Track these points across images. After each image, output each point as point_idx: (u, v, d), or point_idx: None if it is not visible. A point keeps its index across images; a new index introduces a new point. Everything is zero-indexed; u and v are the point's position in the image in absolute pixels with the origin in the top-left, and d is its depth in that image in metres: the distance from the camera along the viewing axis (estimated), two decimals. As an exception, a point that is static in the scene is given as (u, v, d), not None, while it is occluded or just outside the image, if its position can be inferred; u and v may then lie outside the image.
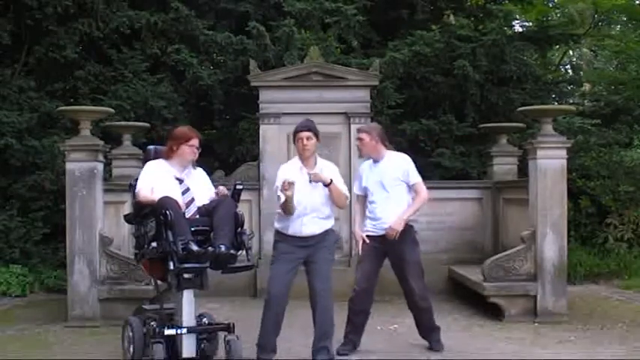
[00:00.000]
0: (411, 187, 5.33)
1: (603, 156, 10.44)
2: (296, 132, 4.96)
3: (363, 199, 5.50)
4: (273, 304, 4.88)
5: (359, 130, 5.48)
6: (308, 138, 4.90)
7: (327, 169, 5.00)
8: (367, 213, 5.42)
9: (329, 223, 5.06)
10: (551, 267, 6.55)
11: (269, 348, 4.91)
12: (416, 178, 5.34)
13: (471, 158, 9.90)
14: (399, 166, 5.34)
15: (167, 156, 4.95)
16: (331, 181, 4.86)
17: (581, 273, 8.88)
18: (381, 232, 5.27)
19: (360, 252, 5.39)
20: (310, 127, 4.95)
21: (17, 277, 8.17)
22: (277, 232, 5.04)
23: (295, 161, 5.03)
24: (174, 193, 4.75)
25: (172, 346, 4.63)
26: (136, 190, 4.84)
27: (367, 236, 5.34)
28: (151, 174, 4.85)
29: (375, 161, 5.40)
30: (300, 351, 5.27)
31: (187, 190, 4.85)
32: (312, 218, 4.92)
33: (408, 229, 5.31)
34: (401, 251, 5.26)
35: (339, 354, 5.24)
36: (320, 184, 4.87)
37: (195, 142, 4.93)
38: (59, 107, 7.91)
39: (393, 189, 5.28)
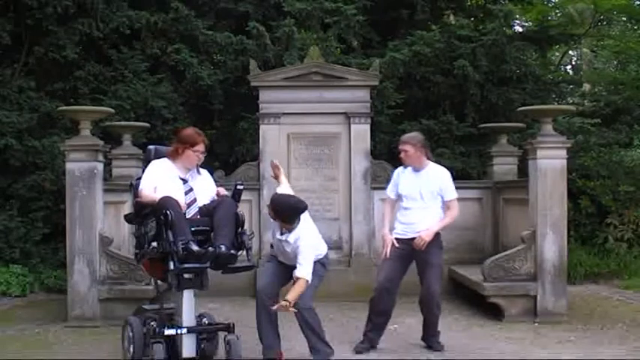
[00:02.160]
0: (445, 202, 5.38)
1: (603, 156, 10.44)
2: None
3: (394, 202, 5.57)
4: (259, 298, 4.99)
5: (403, 142, 5.44)
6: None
7: (300, 240, 4.85)
8: (399, 217, 5.46)
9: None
10: (551, 267, 6.55)
11: (268, 345, 4.95)
12: (452, 195, 5.41)
13: (471, 158, 9.90)
14: (438, 179, 5.40)
15: (172, 157, 4.93)
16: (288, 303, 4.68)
17: (581, 273, 8.88)
18: (411, 236, 5.32)
19: (387, 254, 5.38)
20: (272, 201, 4.93)
21: (17, 277, 8.17)
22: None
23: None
24: (178, 192, 4.74)
25: (172, 346, 4.64)
26: (139, 189, 4.83)
27: (396, 239, 5.38)
28: (154, 173, 4.84)
29: (416, 170, 5.43)
30: (300, 351, 5.27)
31: (190, 190, 4.85)
32: (285, 257, 5.01)
33: (436, 236, 5.36)
34: (427, 254, 5.31)
35: (356, 351, 5.35)
36: (291, 247, 4.87)
37: (200, 147, 4.90)
38: (59, 107, 7.90)
39: (430, 201, 5.35)
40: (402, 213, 5.46)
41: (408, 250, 5.34)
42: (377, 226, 8.00)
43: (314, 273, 4.88)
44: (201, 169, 5.07)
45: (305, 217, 4.92)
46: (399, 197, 5.49)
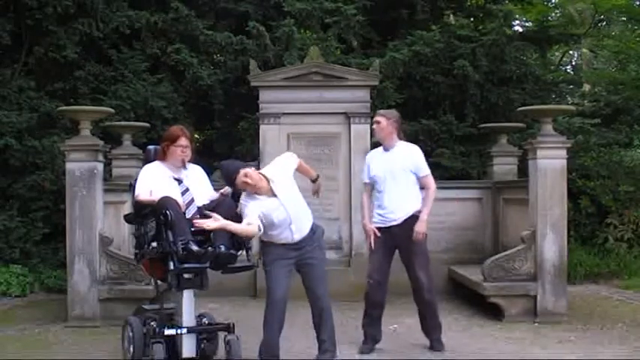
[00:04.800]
0: (420, 179, 5.34)
1: (603, 156, 10.44)
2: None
3: (370, 188, 5.50)
4: (278, 308, 4.79)
5: (378, 113, 5.44)
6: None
7: (284, 159, 4.95)
8: (375, 203, 5.40)
9: (311, 221, 4.90)
10: (551, 267, 6.55)
11: (274, 353, 4.82)
12: (426, 170, 5.35)
13: (471, 158, 9.90)
14: (409, 156, 5.34)
15: (162, 158, 4.95)
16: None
17: (581, 273, 8.88)
18: (390, 224, 5.28)
19: (371, 245, 5.36)
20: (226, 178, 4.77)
21: (17, 277, 8.17)
22: (263, 241, 4.86)
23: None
24: (174, 194, 4.74)
25: (172, 346, 4.64)
26: (135, 195, 4.84)
27: (376, 228, 5.34)
28: (148, 177, 4.85)
29: (385, 149, 5.39)
30: (300, 351, 5.28)
31: (187, 190, 4.85)
32: (297, 224, 4.76)
33: (417, 221, 5.29)
34: (410, 243, 5.27)
35: (361, 352, 5.33)
36: (290, 185, 4.80)
37: (182, 141, 4.88)
38: (59, 107, 7.90)
39: (403, 179, 5.29)
40: (376, 197, 5.39)
41: (390, 239, 5.30)
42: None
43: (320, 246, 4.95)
44: (192, 165, 5.04)
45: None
46: (373, 180, 5.41)
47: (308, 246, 4.83)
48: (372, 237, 5.33)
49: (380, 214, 5.36)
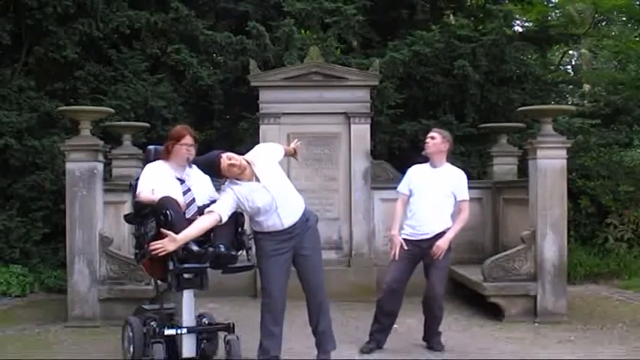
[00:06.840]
0: (457, 203, 5.36)
1: (603, 156, 10.45)
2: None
3: (406, 200, 5.48)
4: (277, 305, 4.72)
5: (433, 130, 5.45)
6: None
7: (266, 146, 5.06)
8: (408, 217, 5.41)
9: (302, 207, 4.79)
10: (551, 267, 6.55)
11: (274, 351, 4.78)
12: (465, 195, 5.38)
13: (471, 158, 9.90)
14: (453, 179, 5.37)
15: (165, 157, 4.96)
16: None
17: (581, 273, 8.88)
18: (419, 237, 5.30)
19: (396, 255, 5.34)
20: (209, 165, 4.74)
21: (17, 277, 8.17)
22: (256, 232, 4.79)
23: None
24: (176, 193, 4.74)
25: (172, 346, 4.64)
26: (137, 193, 4.84)
27: (404, 239, 5.34)
28: (150, 176, 4.85)
29: (433, 166, 5.40)
30: (300, 351, 5.27)
31: (188, 190, 4.85)
32: (284, 210, 4.65)
33: None
34: (436, 258, 5.29)
35: (362, 351, 5.35)
36: (277, 169, 4.77)
37: (187, 140, 4.89)
38: (59, 107, 7.90)
39: (441, 199, 5.32)
40: (410, 210, 5.40)
41: (417, 252, 5.32)
42: (377, 226, 8.02)
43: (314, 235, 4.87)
44: (194, 166, 5.03)
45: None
46: (411, 193, 5.42)
47: (301, 233, 4.73)
48: (399, 248, 5.32)
49: (411, 227, 5.37)
